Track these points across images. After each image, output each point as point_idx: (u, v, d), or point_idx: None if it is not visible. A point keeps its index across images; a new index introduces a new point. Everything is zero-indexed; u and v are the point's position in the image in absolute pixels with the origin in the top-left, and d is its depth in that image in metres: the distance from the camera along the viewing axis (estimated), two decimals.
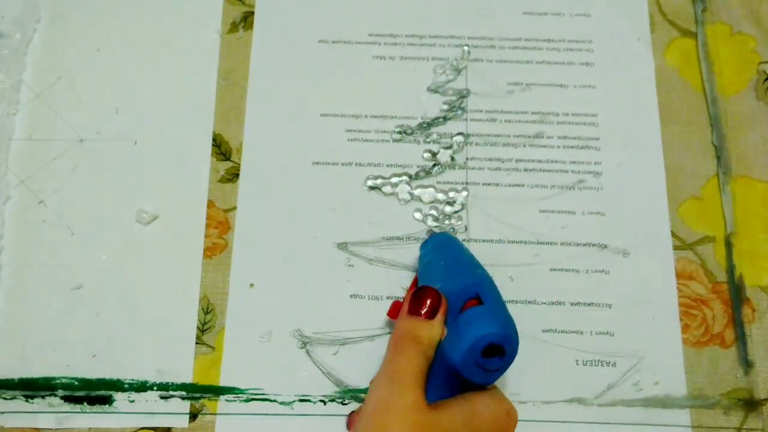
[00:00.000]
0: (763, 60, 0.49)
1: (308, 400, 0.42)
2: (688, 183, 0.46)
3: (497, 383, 0.36)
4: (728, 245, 0.45)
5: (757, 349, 0.43)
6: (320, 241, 0.45)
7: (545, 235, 0.45)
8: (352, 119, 0.48)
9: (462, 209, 0.45)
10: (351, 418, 0.41)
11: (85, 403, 0.41)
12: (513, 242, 0.45)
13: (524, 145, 0.47)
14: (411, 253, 0.44)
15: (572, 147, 0.47)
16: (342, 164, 0.46)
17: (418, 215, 0.45)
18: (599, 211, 0.46)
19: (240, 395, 0.42)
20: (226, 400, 0.42)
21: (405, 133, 0.47)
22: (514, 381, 0.42)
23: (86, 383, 0.42)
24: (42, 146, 0.46)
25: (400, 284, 0.44)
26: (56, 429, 0.41)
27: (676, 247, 0.45)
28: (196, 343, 0.43)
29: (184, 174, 0.46)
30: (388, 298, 0.43)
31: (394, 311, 0.39)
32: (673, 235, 0.45)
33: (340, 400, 0.42)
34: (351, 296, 0.44)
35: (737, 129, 0.47)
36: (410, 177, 0.46)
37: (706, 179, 0.46)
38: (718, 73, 0.49)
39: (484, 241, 0.45)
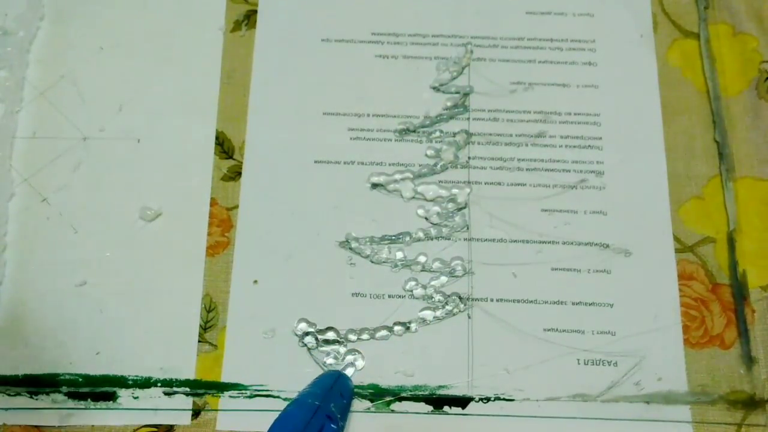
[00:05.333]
0: (765, 59, 0.49)
1: None
2: (690, 182, 0.46)
3: None
4: (731, 243, 0.45)
5: (759, 346, 0.43)
6: (322, 239, 0.45)
7: (547, 234, 0.45)
8: (354, 118, 0.48)
9: (464, 207, 0.45)
10: None
11: (89, 400, 0.42)
12: (515, 241, 0.45)
13: (527, 145, 0.47)
14: (414, 251, 0.44)
15: (574, 146, 0.47)
16: (344, 163, 0.47)
17: (421, 212, 0.45)
18: (601, 210, 0.46)
19: (244, 391, 0.42)
20: (230, 396, 0.42)
21: (407, 131, 0.47)
22: (517, 378, 0.42)
23: (90, 380, 0.42)
24: (45, 144, 0.46)
25: (401, 283, 0.44)
26: (60, 427, 0.41)
27: (676, 249, 0.45)
28: (199, 341, 0.43)
29: (187, 172, 0.46)
30: (389, 296, 0.44)
31: None
32: (674, 236, 0.45)
33: None
34: (353, 294, 0.44)
35: (739, 128, 0.47)
36: (413, 175, 0.46)
37: (708, 179, 0.47)
38: (721, 72, 0.49)
39: (485, 239, 0.45)
